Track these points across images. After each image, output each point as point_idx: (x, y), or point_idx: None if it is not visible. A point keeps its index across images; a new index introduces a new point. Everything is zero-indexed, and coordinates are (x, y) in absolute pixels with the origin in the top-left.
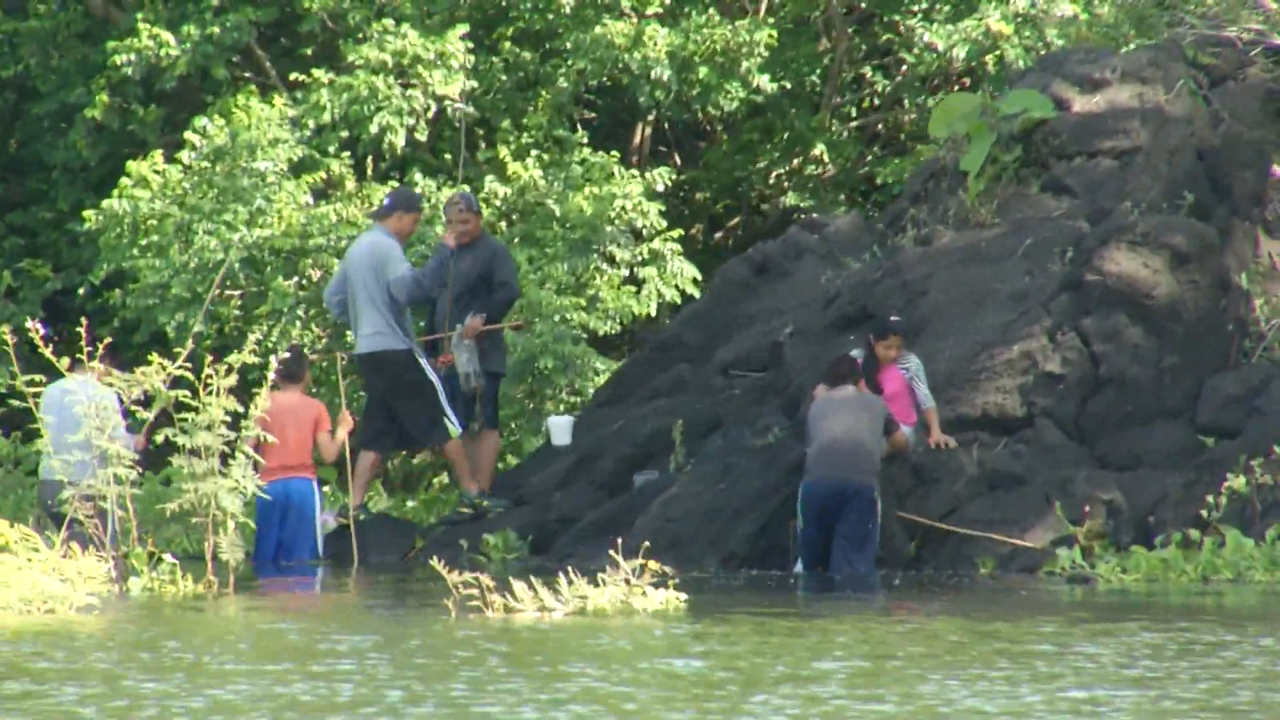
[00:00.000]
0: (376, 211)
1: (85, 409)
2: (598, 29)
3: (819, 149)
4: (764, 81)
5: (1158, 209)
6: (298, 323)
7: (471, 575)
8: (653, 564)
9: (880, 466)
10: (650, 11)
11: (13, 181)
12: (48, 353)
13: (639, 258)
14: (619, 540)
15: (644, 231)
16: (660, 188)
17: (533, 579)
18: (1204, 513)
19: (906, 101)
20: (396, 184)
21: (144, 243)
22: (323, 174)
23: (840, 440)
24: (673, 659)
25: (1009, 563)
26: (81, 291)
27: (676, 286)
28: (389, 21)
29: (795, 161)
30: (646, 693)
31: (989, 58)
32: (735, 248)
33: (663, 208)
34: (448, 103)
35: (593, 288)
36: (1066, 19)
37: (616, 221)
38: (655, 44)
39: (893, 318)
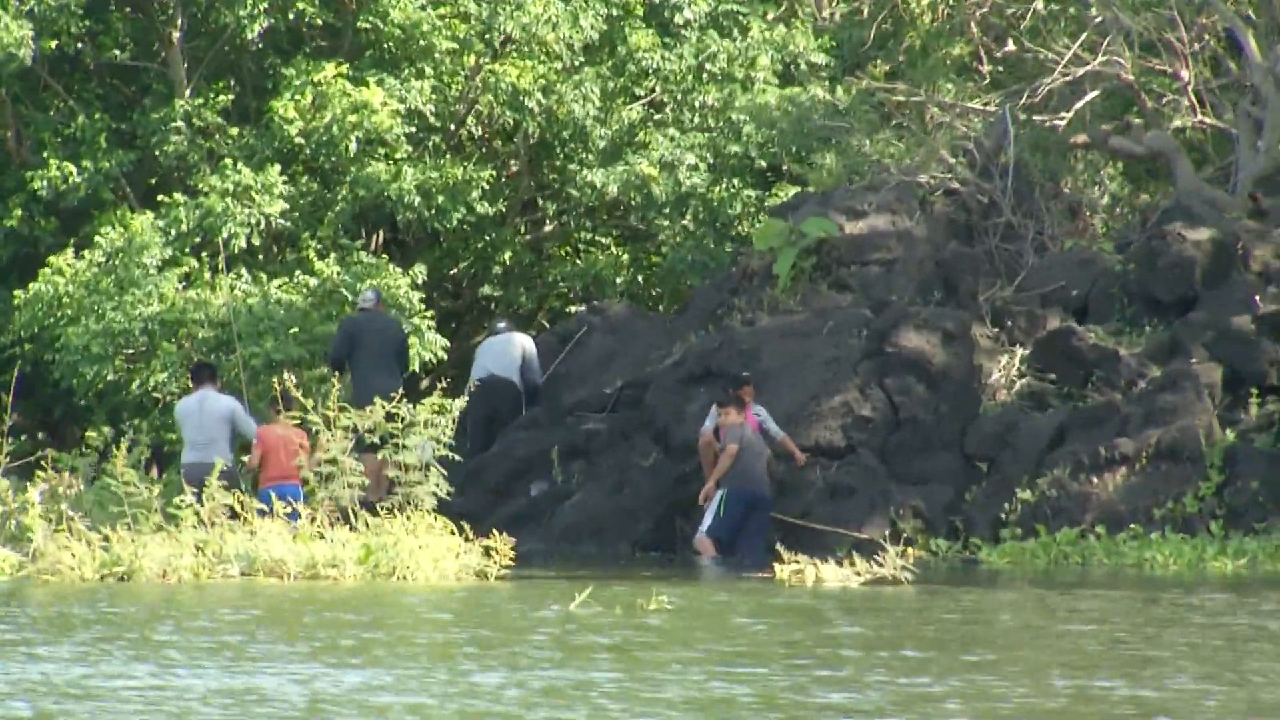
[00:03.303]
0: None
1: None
2: (368, 169)
3: (506, 255)
4: (484, 206)
5: (915, 303)
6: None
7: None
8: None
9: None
10: (400, 155)
11: None
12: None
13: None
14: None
15: (407, 311)
16: (422, 280)
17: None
18: (1002, 515)
19: (570, 221)
20: (234, 277)
21: (59, 315)
22: (184, 269)
23: (756, 463)
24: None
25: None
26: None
27: (431, 351)
28: (229, 160)
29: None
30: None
31: (634, 194)
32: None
33: (422, 295)
34: (271, 218)
35: None
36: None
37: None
38: (408, 179)
39: (744, 373)
